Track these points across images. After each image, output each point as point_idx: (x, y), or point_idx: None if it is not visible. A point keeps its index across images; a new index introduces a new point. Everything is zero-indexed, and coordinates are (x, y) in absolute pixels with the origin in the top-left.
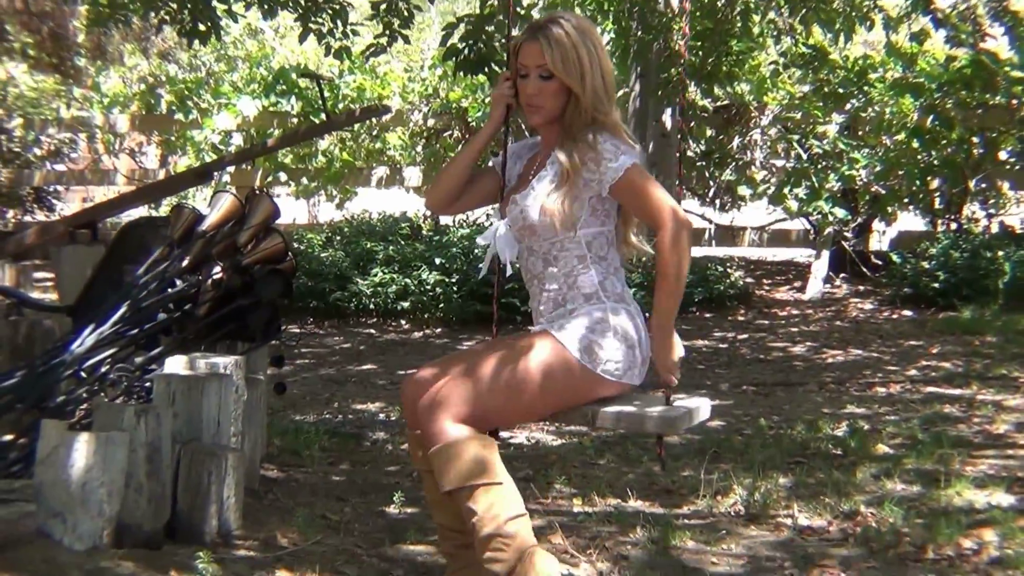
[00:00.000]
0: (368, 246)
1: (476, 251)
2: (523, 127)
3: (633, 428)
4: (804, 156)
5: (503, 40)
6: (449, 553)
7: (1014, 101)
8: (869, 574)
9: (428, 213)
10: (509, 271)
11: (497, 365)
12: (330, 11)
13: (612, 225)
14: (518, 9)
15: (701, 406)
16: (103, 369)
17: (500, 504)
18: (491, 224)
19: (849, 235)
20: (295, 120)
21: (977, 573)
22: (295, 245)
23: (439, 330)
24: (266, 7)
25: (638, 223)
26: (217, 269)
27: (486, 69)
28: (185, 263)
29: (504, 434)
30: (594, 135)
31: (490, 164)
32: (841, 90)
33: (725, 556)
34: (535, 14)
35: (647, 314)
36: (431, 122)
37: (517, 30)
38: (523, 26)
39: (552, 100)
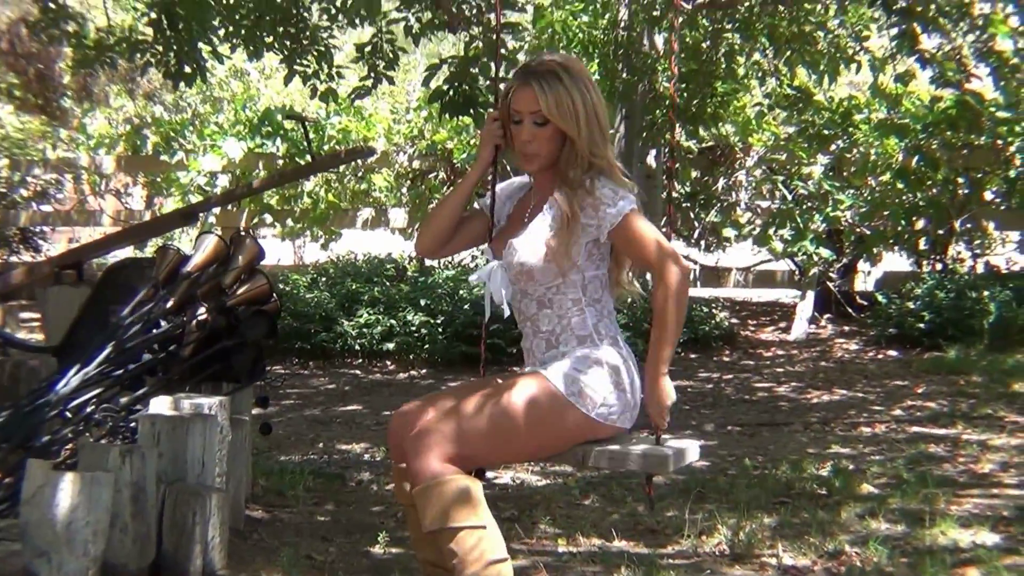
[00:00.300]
0: (353, 287)
1: (461, 292)
2: (509, 168)
3: (624, 468)
4: (789, 197)
5: (488, 82)
6: None
7: (999, 141)
8: None
9: (413, 254)
10: (507, 312)
11: (486, 405)
12: (315, 53)
13: (606, 268)
14: (503, 51)
15: (690, 447)
16: (88, 409)
17: (482, 547)
18: (484, 264)
19: (834, 276)
20: (280, 161)
21: None
22: (280, 286)
23: (424, 371)
24: (252, 48)
25: (631, 265)
26: (202, 310)
27: (471, 110)
28: (170, 304)
29: (489, 474)
30: (592, 180)
31: (476, 206)
32: (826, 131)
33: None
34: (521, 56)
35: (638, 356)
36: (416, 163)
37: (503, 71)
38: (509, 68)
39: (548, 146)
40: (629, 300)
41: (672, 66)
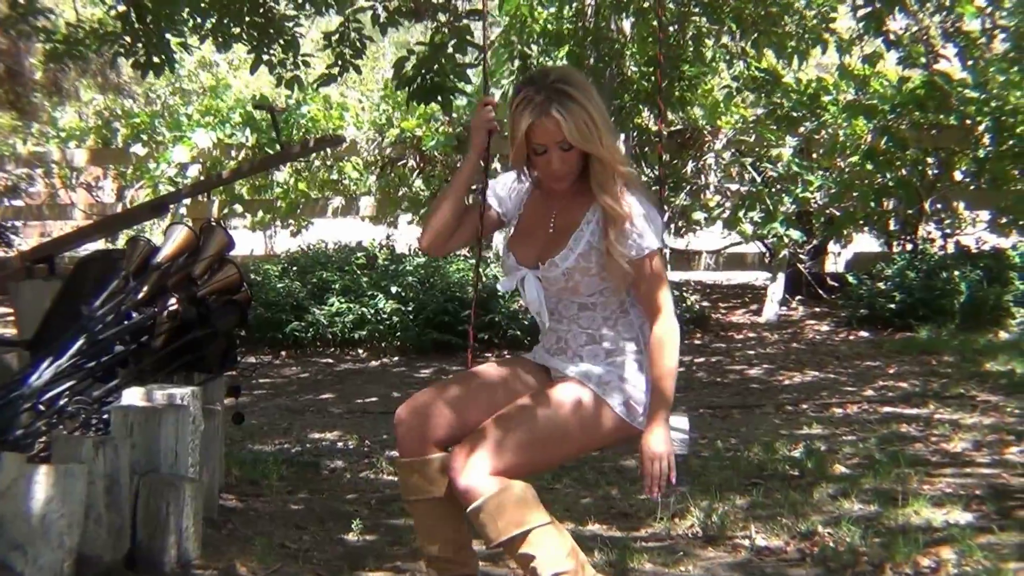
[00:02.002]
0: (324, 276)
1: (433, 279)
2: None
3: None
4: (758, 179)
5: (455, 69)
6: None
7: (968, 121)
8: None
9: (383, 242)
10: (547, 323)
11: (533, 419)
12: (282, 42)
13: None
14: (469, 38)
15: (685, 421)
16: (61, 402)
17: (553, 543)
18: (506, 266)
19: (804, 257)
20: (250, 152)
21: None
22: (251, 276)
23: (396, 359)
24: (220, 39)
25: None
26: (173, 301)
27: (439, 97)
28: (141, 295)
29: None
30: (627, 200)
31: (480, 199)
32: (794, 113)
33: None
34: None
35: None
36: (386, 151)
37: (469, 58)
38: (476, 56)
39: (576, 165)
40: None
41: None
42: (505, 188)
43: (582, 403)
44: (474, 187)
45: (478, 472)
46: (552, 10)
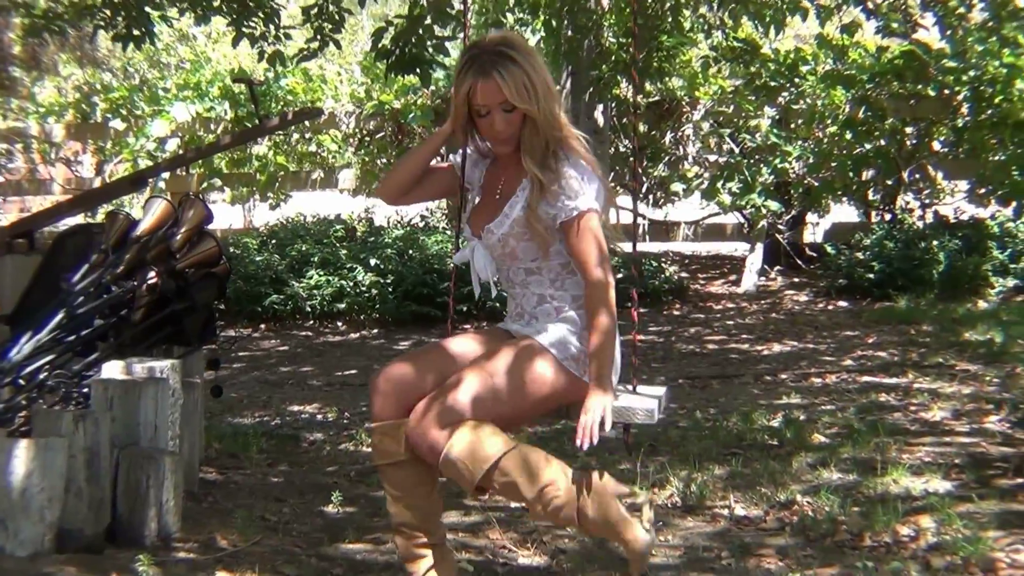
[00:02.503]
0: (303, 249)
1: (411, 251)
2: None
3: (620, 418)
4: (736, 150)
5: (434, 41)
6: (408, 554)
7: (946, 91)
8: (806, 563)
9: (363, 215)
10: (494, 292)
11: (485, 376)
12: (262, 15)
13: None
14: (448, 10)
15: (663, 392)
16: (41, 376)
17: (527, 460)
18: (464, 243)
19: (783, 228)
20: (229, 125)
21: (915, 559)
22: (231, 249)
23: (375, 331)
24: (200, 11)
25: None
26: (152, 274)
27: (418, 70)
28: (120, 269)
29: None
30: (559, 164)
31: (449, 160)
32: (773, 83)
33: (662, 547)
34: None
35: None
36: (364, 124)
37: (448, 31)
38: (456, 28)
39: (518, 128)
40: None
41: (634, 24)
42: (470, 160)
43: (533, 359)
44: (451, 149)
45: (435, 428)
46: None
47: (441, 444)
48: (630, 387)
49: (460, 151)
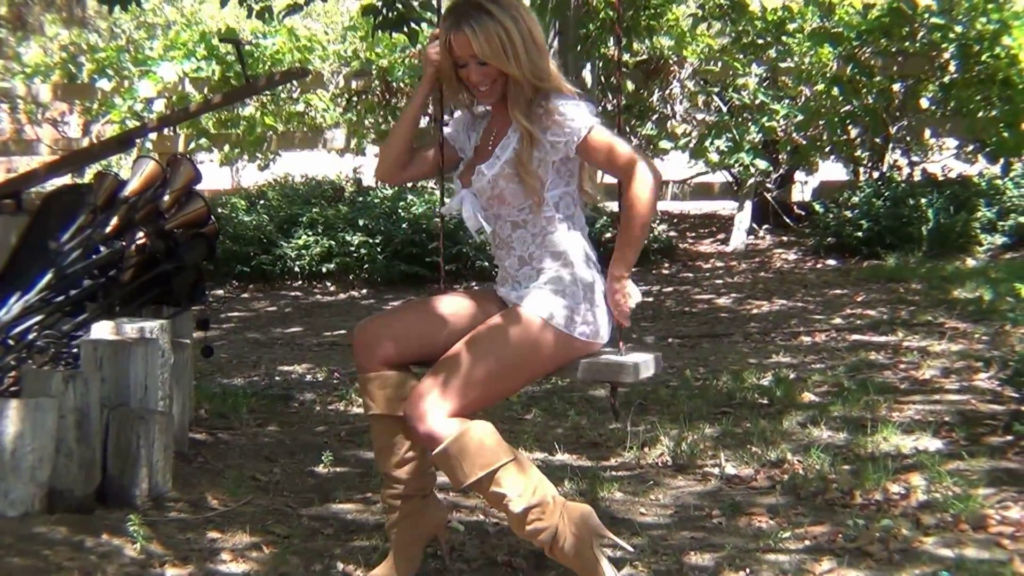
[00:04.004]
0: (292, 210)
1: (399, 211)
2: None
3: (606, 378)
4: (724, 108)
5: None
6: (390, 502)
7: (933, 48)
8: (797, 521)
9: (351, 175)
10: (489, 231)
11: (478, 354)
12: None
13: (576, 184)
14: None
15: (655, 358)
16: (30, 336)
17: (520, 479)
18: (453, 195)
19: (771, 186)
20: (216, 85)
21: (905, 517)
22: (219, 210)
23: (364, 291)
24: None
25: (591, 172)
26: (140, 234)
27: (405, 28)
28: (109, 229)
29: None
30: (547, 102)
31: (445, 132)
32: (760, 41)
33: (653, 506)
34: None
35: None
36: (353, 84)
37: None
38: None
39: (499, 79)
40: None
41: None
42: (456, 125)
43: (524, 328)
44: (442, 123)
45: (435, 416)
46: None
47: (439, 437)
48: (619, 351)
49: (452, 111)
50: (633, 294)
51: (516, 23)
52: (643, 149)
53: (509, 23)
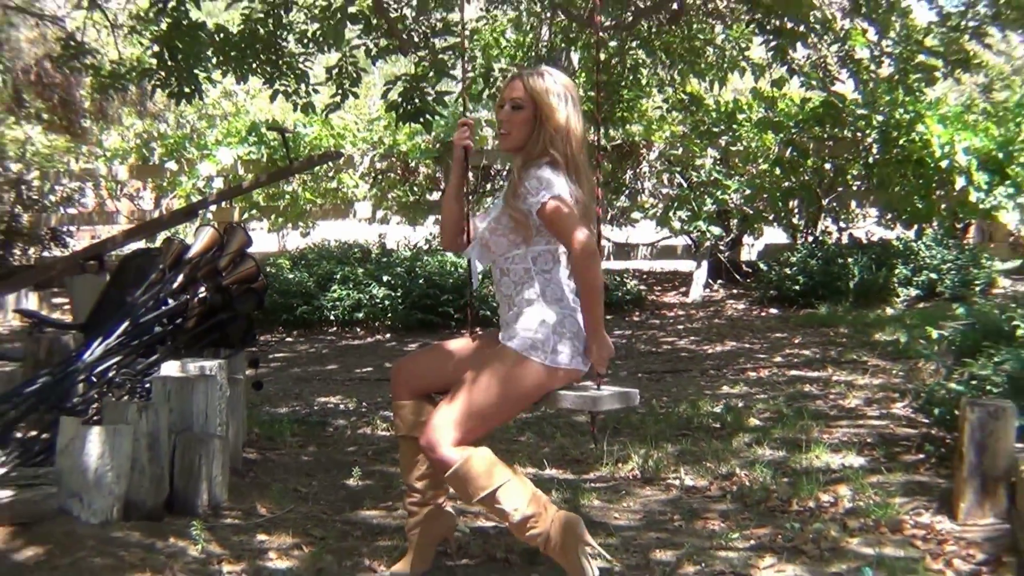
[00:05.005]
0: (328, 268)
1: (416, 269)
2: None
3: (586, 407)
4: (685, 184)
5: (435, 95)
6: (410, 508)
7: (859, 134)
8: (744, 524)
9: (376, 239)
10: (475, 284)
11: (474, 391)
12: (293, 75)
13: (558, 244)
14: (445, 69)
15: (632, 391)
16: (110, 374)
17: (517, 495)
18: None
19: (724, 248)
20: (264, 166)
21: (834, 521)
22: (267, 269)
23: (388, 335)
24: (239, 73)
25: None
26: (202, 289)
27: (421, 119)
28: (175, 285)
29: None
30: (529, 170)
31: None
32: (714, 128)
33: (625, 512)
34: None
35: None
36: (378, 164)
37: (443, 86)
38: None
39: (519, 129)
40: None
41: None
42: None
43: (510, 365)
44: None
45: (444, 446)
46: (513, 37)
47: (450, 462)
48: (595, 386)
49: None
50: (606, 346)
51: (562, 95)
52: (618, 218)
53: (556, 86)
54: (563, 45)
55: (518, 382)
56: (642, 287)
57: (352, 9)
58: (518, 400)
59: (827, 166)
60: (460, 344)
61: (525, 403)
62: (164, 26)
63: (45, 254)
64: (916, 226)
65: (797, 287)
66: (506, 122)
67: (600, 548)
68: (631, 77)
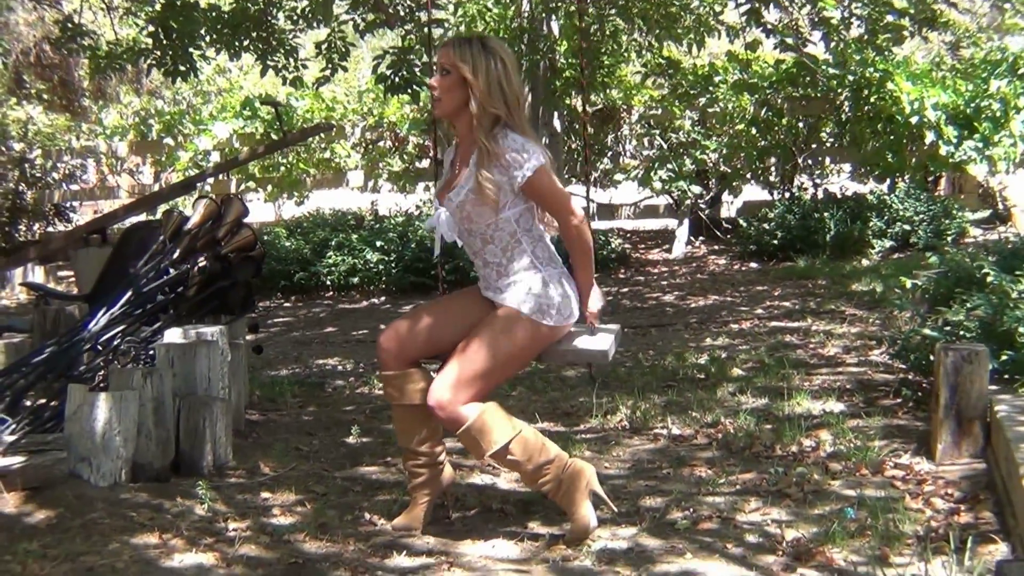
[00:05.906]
0: (323, 235)
1: (408, 234)
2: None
3: (576, 362)
4: (665, 146)
5: (423, 67)
6: (412, 470)
7: (831, 93)
8: (730, 470)
9: (368, 207)
10: (440, 249)
11: (478, 351)
12: (284, 51)
13: (533, 201)
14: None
15: (615, 326)
16: (115, 342)
17: (528, 445)
18: (433, 212)
19: (704, 206)
20: (259, 138)
21: (816, 465)
22: (264, 237)
23: (383, 299)
24: (232, 51)
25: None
26: (201, 258)
27: (409, 90)
28: (176, 255)
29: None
30: (503, 139)
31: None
32: (692, 91)
33: (615, 461)
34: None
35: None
36: (369, 135)
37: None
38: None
39: (448, 94)
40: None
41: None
42: (447, 155)
43: (509, 325)
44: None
45: (454, 405)
46: (496, 10)
47: (461, 421)
48: (590, 330)
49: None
50: (598, 298)
51: (490, 57)
52: (601, 179)
53: (484, 56)
54: (544, 15)
55: (523, 344)
56: (626, 245)
57: None
58: (519, 358)
59: (801, 125)
60: (443, 308)
61: (526, 360)
62: (159, 6)
63: (49, 229)
64: (888, 180)
65: (775, 242)
66: (435, 88)
67: (607, 498)
68: (611, 43)
